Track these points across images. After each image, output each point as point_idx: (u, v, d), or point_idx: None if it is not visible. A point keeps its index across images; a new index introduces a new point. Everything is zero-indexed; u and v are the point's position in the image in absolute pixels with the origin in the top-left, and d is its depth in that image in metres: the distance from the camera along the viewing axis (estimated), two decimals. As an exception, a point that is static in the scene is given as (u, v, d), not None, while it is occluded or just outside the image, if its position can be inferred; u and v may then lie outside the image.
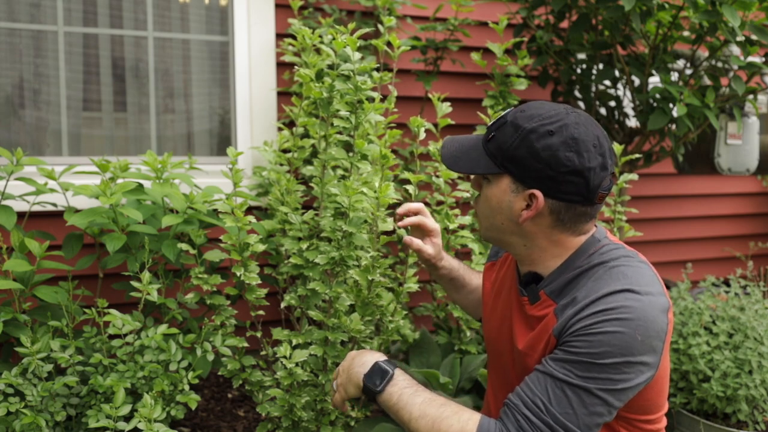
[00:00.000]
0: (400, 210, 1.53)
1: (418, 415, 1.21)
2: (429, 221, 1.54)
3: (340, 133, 1.96)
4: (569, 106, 1.24)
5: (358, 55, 1.78)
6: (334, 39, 1.80)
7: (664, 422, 1.32)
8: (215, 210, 2.09)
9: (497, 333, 1.42)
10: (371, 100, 1.84)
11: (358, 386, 1.31)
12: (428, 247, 1.53)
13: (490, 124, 1.29)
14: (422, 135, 2.03)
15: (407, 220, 1.52)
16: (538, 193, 1.20)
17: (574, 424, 1.13)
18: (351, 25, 1.84)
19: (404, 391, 1.24)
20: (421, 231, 1.55)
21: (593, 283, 1.19)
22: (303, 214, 2.02)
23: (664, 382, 1.26)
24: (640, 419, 1.26)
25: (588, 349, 1.13)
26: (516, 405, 1.17)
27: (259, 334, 1.98)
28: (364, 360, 1.32)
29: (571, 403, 1.13)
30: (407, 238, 1.52)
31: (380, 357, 1.32)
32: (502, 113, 1.28)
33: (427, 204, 2.52)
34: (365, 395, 1.30)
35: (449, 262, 1.60)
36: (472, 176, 1.33)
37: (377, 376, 1.28)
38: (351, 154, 1.86)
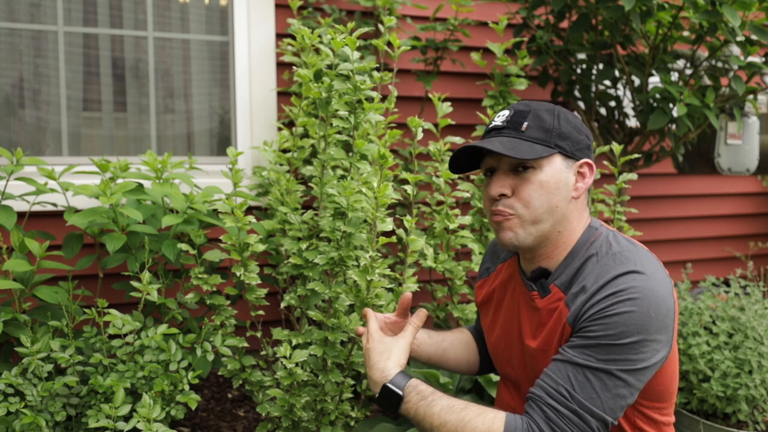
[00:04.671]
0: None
1: (439, 424, 1.21)
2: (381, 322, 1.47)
3: (339, 133, 1.96)
4: None
5: (357, 55, 1.78)
6: (333, 39, 1.80)
7: (673, 416, 1.34)
8: (215, 210, 2.09)
9: (505, 339, 1.41)
10: (370, 99, 1.84)
11: (374, 396, 1.32)
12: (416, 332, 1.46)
13: (506, 122, 1.28)
14: (420, 135, 2.03)
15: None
16: (590, 161, 1.30)
17: (599, 408, 1.15)
18: (350, 25, 1.84)
19: (419, 404, 1.24)
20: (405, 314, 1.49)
21: (600, 269, 1.21)
22: (303, 214, 2.02)
23: (675, 366, 1.28)
24: (653, 406, 1.27)
25: (605, 331, 1.15)
26: (540, 396, 1.18)
27: (259, 334, 1.98)
28: (375, 374, 1.30)
29: (594, 388, 1.15)
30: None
31: (391, 371, 1.29)
32: (508, 111, 1.30)
33: (426, 204, 2.52)
34: None
35: (425, 341, 1.52)
36: (497, 179, 1.28)
37: (388, 400, 1.27)
38: (350, 154, 1.86)
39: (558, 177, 1.26)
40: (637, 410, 1.26)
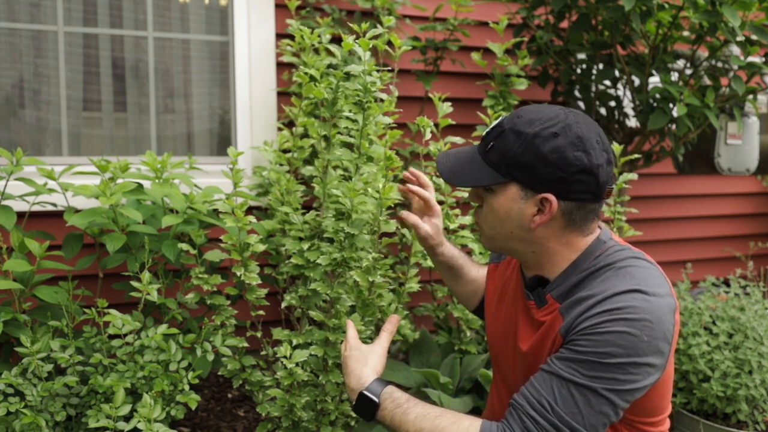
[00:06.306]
0: (406, 174, 1.53)
1: (414, 431, 1.21)
2: (433, 198, 1.53)
3: (340, 133, 1.96)
4: (564, 107, 1.24)
5: (368, 55, 1.76)
6: (332, 39, 1.79)
7: (667, 424, 1.31)
8: (215, 210, 2.09)
9: (502, 336, 1.41)
10: (379, 101, 1.82)
11: (351, 403, 1.33)
12: (426, 226, 1.52)
13: (485, 134, 1.26)
14: (428, 135, 2.02)
15: (412, 187, 1.52)
16: (550, 196, 1.18)
17: (580, 423, 1.12)
18: (364, 26, 1.83)
19: (395, 412, 1.24)
20: (422, 208, 1.56)
21: (601, 283, 1.17)
22: (303, 214, 2.03)
23: (668, 385, 1.25)
24: (643, 421, 1.25)
25: (594, 348, 1.12)
26: (521, 405, 1.17)
27: (259, 334, 1.98)
28: (352, 381, 1.32)
29: (576, 403, 1.12)
30: (404, 212, 1.51)
31: (367, 378, 1.31)
32: (496, 122, 1.26)
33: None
34: None
35: (449, 249, 1.59)
36: (469, 188, 1.31)
37: (364, 407, 1.28)
38: (357, 155, 1.86)
39: (508, 207, 1.22)
40: (627, 424, 1.24)
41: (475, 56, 2.62)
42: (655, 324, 1.12)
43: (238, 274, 1.82)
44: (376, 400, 1.26)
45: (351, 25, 1.84)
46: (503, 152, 1.20)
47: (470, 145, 1.31)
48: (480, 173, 1.23)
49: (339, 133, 1.94)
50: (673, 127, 2.74)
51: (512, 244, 1.27)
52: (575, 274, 1.23)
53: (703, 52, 2.90)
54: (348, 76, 1.80)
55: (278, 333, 1.80)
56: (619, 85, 2.92)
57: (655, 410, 1.26)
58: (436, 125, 2.32)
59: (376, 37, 1.74)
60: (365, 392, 1.28)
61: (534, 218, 1.21)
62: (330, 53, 1.93)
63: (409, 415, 1.23)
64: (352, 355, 1.35)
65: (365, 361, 1.34)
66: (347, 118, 1.81)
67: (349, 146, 1.87)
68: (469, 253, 2.97)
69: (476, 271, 1.64)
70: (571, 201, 1.19)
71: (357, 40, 1.74)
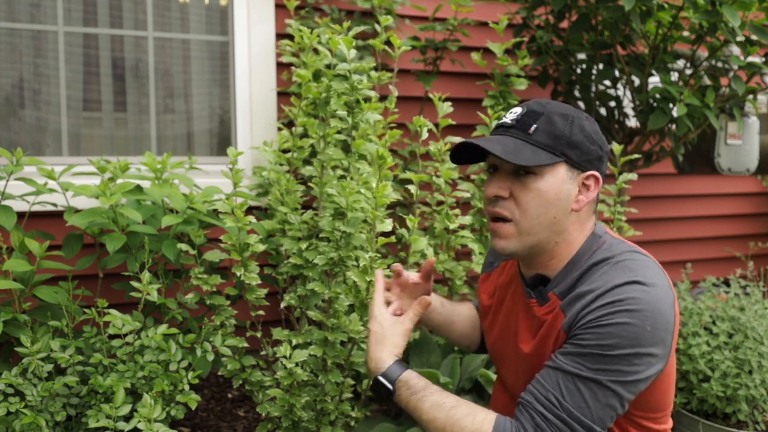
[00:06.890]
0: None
1: (428, 419, 1.22)
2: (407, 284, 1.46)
3: (339, 132, 1.96)
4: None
5: (354, 54, 1.77)
6: (331, 39, 1.80)
7: (670, 422, 1.31)
8: (215, 210, 2.09)
9: (502, 339, 1.41)
10: (368, 99, 1.83)
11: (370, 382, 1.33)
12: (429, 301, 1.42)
13: (515, 121, 1.23)
14: (425, 135, 2.02)
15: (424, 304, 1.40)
16: (597, 174, 1.25)
17: (588, 417, 1.13)
18: (346, 24, 1.84)
19: (410, 398, 1.25)
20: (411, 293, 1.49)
21: (600, 277, 1.18)
22: (302, 214, 2.03)
23: (670, 380, 1.26)
24: (647, 416, 1.26)
25: (597, 341, 1.13)
26: (529, 402, 1.17)
27: (259, 334, 1.98)
28: (370, 364, 1.31)
29: (584, 397, 1.13)
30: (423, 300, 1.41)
31: (384, 363, 1.29)
32: (522, 109, 1.24)
33: (427, 204, 2.52)
34: None
35: (435, 300, 1.54)
36: (496, 180, 1.25)
37: (380, 391, 1.28)
38: (349, 154, 1.86)
39: (558, 188, 1.21)
40: (630, 420, 1.25)
41: (475, 56, 2.62)
42: (656, 314, 1.13)
43: (238, 274, 1.82)
44: (390, 387, 1.26)
45: (332, 26, 1.85)
46: (553, 132, 1.21)
47: (506, 135, 1.26)
48: (535, 153, 1.20)
49: (338, 132, 1.94)
50: (673, 127, 2.74)
51: (545, 234, 1.23)
52: (575, 270, 1.24)
53: (703, 52, 2.90)
54: (342, 76, 1.81)
55: (278, 333, 1.81)
56: (619, 85, 2.92)
57: (658, 405, 1.26)
58: (436, 125, 2.32)
59: (372, 36, 1.75)
60: (380, 378, 1.28)
61: (579, 198, 1.24)
62: (331, 53, 1.93)
63: (425, 402, 1.23)
64: (374, 332, 1.33)
65: (385, 343, 1.31)
66: (338, 117, 1.82)
67: (345, 145, 1.88)
68: (469, 253, 2.97)
69: (461, 307, 1.62)
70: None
71: (342, 39, 1.75)
